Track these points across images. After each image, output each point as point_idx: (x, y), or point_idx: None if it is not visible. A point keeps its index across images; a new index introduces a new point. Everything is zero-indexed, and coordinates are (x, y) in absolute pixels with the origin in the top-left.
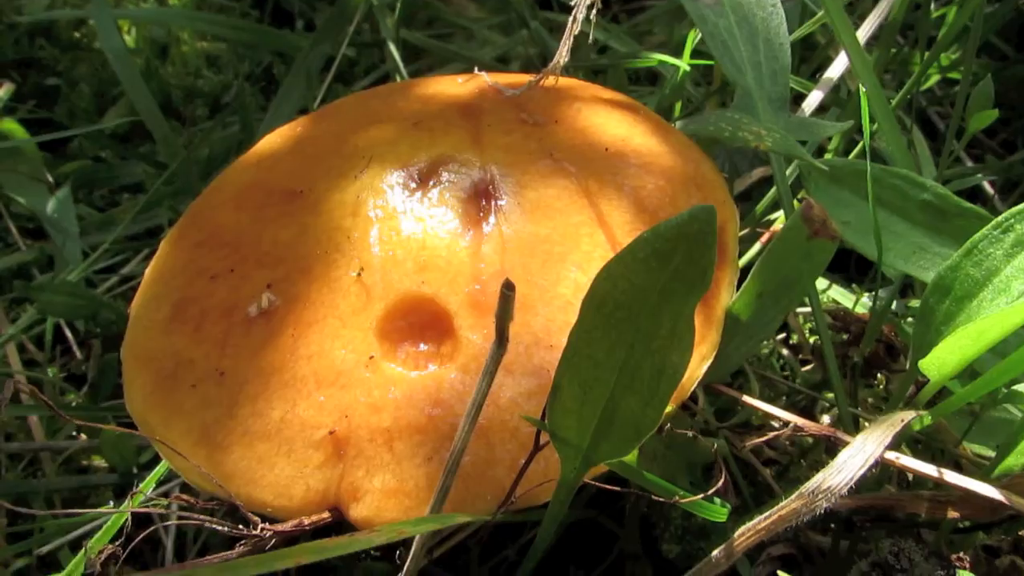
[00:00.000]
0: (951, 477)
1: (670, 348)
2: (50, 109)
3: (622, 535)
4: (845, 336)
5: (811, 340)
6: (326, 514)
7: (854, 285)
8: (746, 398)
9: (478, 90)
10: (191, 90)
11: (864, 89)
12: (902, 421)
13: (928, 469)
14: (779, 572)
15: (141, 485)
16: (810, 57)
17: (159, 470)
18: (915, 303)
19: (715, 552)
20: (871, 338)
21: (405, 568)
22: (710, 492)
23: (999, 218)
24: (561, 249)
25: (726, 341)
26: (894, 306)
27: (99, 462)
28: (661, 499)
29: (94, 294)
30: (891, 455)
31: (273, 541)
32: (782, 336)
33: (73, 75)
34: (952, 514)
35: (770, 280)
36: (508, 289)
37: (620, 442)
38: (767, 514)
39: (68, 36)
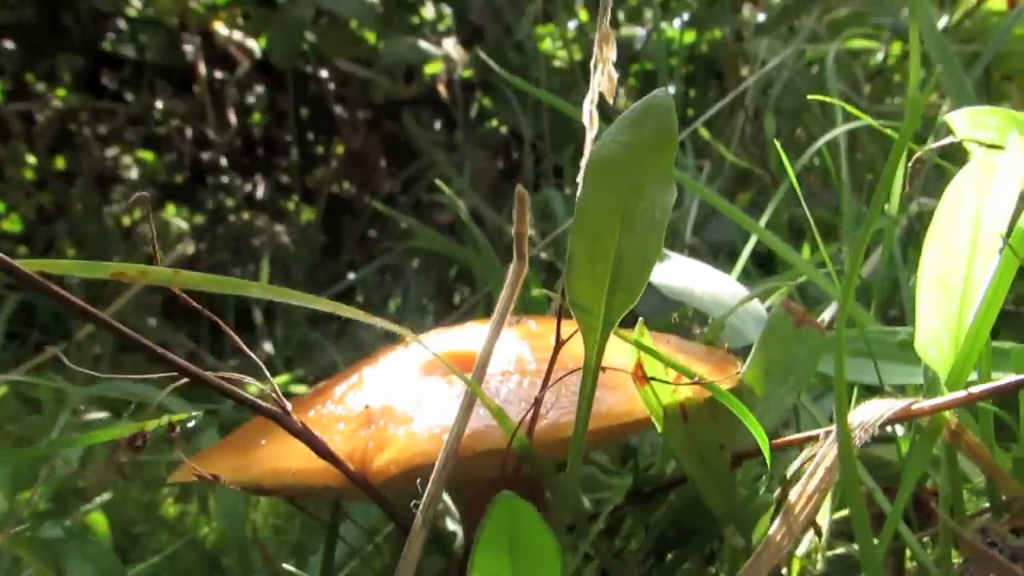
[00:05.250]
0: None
1: (658, 192)
2: None
3: None
4: None
5: None
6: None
7: None
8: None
9: None
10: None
11: None
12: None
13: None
14: None
15: None
16: None
17: None
18: None
19: (773, 528)
20: None
21: (423, 501)
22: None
23: None
24: None
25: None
26: None
27: None
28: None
29: None
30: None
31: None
32: None
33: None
34: None
35: (773, 362)
36: (523, 191)
37: (631, 284)
38: (816, 460)
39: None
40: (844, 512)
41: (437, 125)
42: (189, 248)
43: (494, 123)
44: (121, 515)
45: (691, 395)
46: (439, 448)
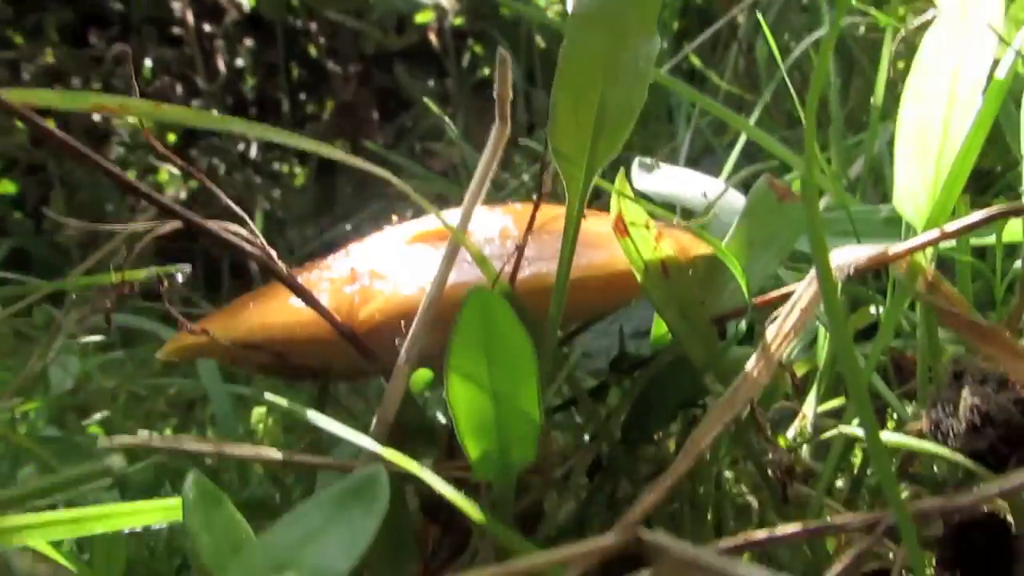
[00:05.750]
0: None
1: (641, 42)
2: None
3: None
4: None
5: None
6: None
7: None
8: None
9: None
10: None
11: None
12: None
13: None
14: None
15: None
16: None
17: None
18: None
19: (750, 364)
20: None
21: (407, 340)
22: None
23: None
24: None
25: (729, 278)
26: None
27: None
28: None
29: None
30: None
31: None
32: None
33: None
34: None
35: (756, 232)
36: (504, 54)
37: (614, 131)
38: (792, 301)
39: None
40: (830, 403)
41: (431, 83)
42: (182, 193)
43: (486, 71)
44: None
45: (671, 252)
46: (423, 298)
